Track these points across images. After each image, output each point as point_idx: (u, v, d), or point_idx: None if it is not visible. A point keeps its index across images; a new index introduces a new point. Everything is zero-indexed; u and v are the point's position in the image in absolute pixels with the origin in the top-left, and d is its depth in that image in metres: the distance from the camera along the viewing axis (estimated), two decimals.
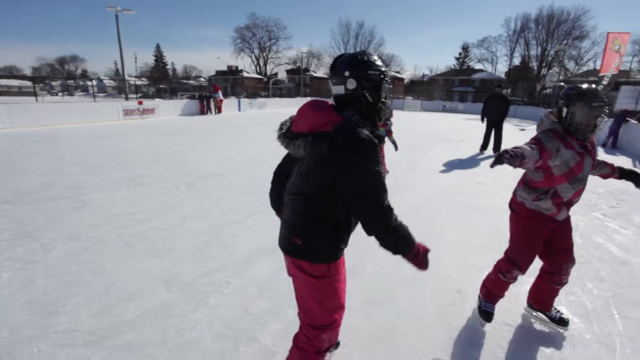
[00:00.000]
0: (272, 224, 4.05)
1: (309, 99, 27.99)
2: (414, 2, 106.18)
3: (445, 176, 6.57)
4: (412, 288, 2.64)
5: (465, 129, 15.44)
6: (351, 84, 1.25)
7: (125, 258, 3.07)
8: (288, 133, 1.30)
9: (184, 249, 3.26)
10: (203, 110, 20.12)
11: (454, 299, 2.57)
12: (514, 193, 2.18)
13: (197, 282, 2.71)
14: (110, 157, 7.47)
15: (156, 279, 2.74)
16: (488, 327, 2.25)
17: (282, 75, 63.49)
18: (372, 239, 1.30)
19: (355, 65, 1.26)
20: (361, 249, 2.83)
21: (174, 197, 4.79)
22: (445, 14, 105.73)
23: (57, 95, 48.50)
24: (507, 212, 2.23)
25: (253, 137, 11.19)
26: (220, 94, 20.91)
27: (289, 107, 29.13)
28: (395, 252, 1.31)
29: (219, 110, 20.77)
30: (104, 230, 3.63)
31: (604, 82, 14.37)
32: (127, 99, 18.67)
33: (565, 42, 43.10)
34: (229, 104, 23.09)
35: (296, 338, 1.53)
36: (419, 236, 1.40)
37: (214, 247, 3.32)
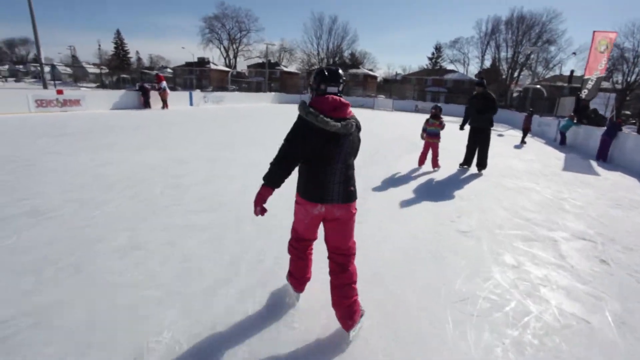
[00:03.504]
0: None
1: (273, 94, 25.50)
2: (388, 0, 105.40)
3: (410, 219, 4.25)
4: None
5: None
6: (341, 86, 2.09)
7: None
8: (336, 119, 1.95)
9: None
10: (144, 104, 17.28)
11: None
12: None
13: None
14: None
15: None
16: None
17: (242, 67, 60.55)
18: None
19: (343, 76, 2.10)
20: None
21: None
22: (419, 13, 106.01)
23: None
24: None
25: (172, 141, 8.74)
26: (164, 84, 17.97)
27: (248, 103, 26.45)
28: None
29: (165, 104, 17.93)
30: None
31: (589, 87, 13.04)
32: (45, 87, 15.52)
33: (537, 44, 43.05)
34: (181, 97, 20.30)
35: (340, 266, 2.13)
36: None
37: None
